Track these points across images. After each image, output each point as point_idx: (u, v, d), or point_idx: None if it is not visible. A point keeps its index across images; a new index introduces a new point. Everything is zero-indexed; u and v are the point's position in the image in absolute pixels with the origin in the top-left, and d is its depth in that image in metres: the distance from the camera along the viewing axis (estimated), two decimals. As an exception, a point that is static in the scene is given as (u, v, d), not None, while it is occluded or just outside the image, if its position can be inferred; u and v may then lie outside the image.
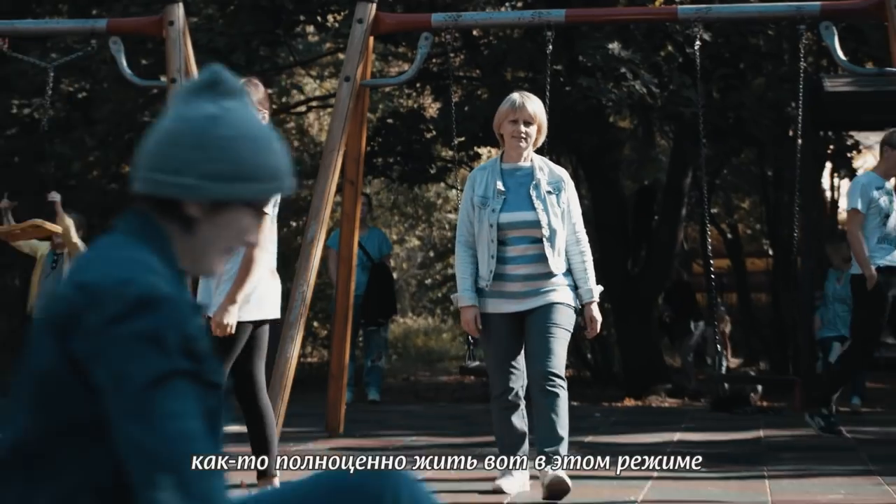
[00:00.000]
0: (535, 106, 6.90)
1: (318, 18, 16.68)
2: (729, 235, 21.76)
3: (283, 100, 21.73)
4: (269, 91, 19.31)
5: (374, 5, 9.74)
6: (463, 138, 16.91)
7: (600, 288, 7.00)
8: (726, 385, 13.56)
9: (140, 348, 2.22)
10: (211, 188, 2.38)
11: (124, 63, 9.84)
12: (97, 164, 17.60)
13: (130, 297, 2.24)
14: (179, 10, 9.78)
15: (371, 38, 9.78)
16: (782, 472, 8.15)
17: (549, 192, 6.84)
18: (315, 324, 21.33)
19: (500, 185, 6.85)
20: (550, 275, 6.80)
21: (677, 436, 10.52)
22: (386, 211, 27.11)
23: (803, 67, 9.94)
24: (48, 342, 2.29)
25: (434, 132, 17.20)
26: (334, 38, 18.60)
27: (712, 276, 12.14)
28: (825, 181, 19.68)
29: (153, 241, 2.40)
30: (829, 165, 18.14)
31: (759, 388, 13.86)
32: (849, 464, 8.60)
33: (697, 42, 9.51)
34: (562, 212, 6.85)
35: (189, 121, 2.40)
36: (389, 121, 17.82)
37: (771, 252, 20.17)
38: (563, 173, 7.02)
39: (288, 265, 17.66)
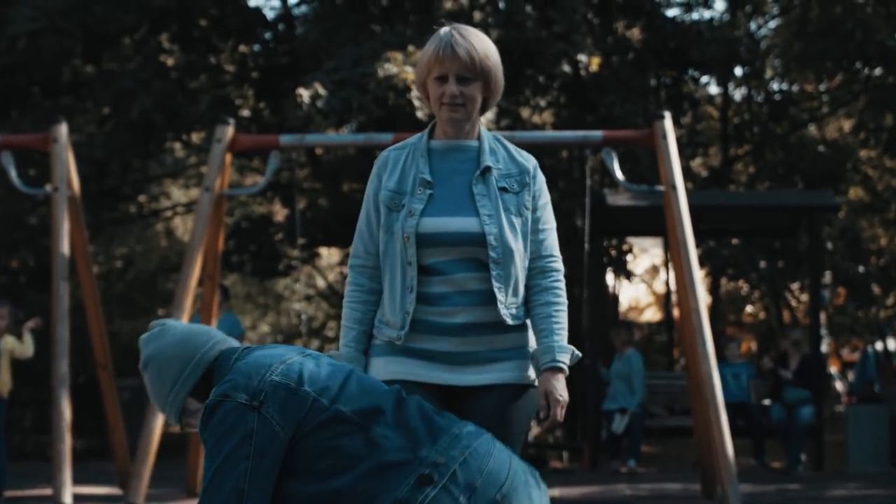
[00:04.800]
0: (476, 48, 3.56)
1: (184, 136, 16.58)
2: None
3: (153, 205, 21.44)
4: (141, 197, 19.13)
5: (232, 127, 9.71)
6: (305, 240, 16.92)
7: (573, 351, 3.60)
8: (530, 450, 13.64)
9: None
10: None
11: (14, 174, 9.65)
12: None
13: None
14: (63, 128, 9.65)
15: (228, 155, 9.74)
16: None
17: (503, 189, 3.60)
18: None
19: (424, 173, 3.60)
20: (502, 327, 3.57)
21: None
22: (241, 301, 26.85)
23: (589, 185, 10.17)
24: None
25: (281, 234, 17.15)
26: (197, 153, 18.48)
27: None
28: (609, 279, 19.98)
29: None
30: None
31: (565, 453, 13.97)
32: (627, 515, 8.71)
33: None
34: (522, 222, 3.60)
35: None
36: (244, 224, 17.75)
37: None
38: (528, 161, 3.69)
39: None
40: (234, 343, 3.23)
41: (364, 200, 3.71)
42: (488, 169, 3.61)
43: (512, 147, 3.73)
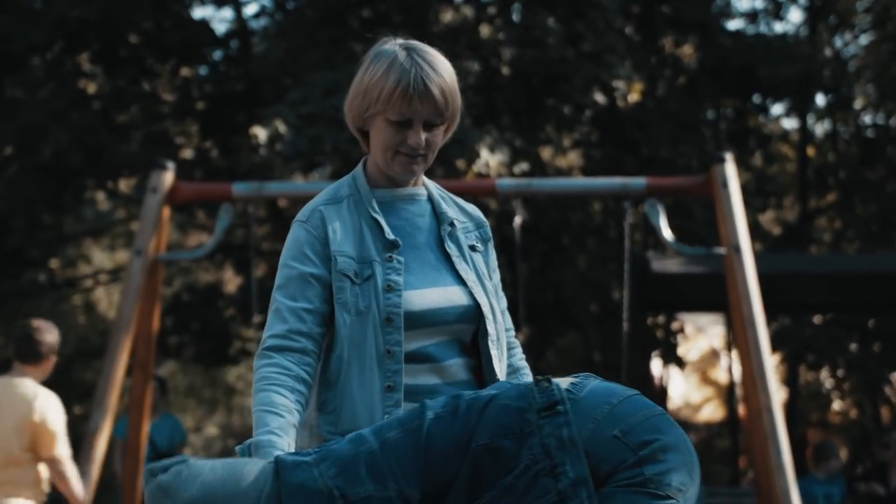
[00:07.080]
0: (447, 82, 3.40)
1: (110, 184, 16.62)
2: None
3: (68, 272, 21.46)
4: (53, 262, 19.16)
5: (171, 173, 9.71)
6: (263, 317, 16.89)
7: None
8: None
9: None
10: None
11: None
12: None
13: None
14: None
15: (166, 208, 9.74)
16: None
17: (471, 248, 3.52)
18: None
19: (387, 232, 3.41)
20: None
21: None
22: (181, 396, 26.79)
23: (629, 246, 10.16)
24: None
25: (233, 310, 17.15)
26: (126, 205, 18.52)
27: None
28: (655, 366, 19.98)
29: None
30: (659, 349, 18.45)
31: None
32: None
33: (517, 218, 9.61)
34: (493, 287, 3.52)
35: None
36: (185, 297, 17.74)
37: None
38: (477, 210, 3.67)
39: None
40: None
41: (288, 272, 3.43)
42: (454, 223, 3.53)
43: (452, 195, 3.65)
